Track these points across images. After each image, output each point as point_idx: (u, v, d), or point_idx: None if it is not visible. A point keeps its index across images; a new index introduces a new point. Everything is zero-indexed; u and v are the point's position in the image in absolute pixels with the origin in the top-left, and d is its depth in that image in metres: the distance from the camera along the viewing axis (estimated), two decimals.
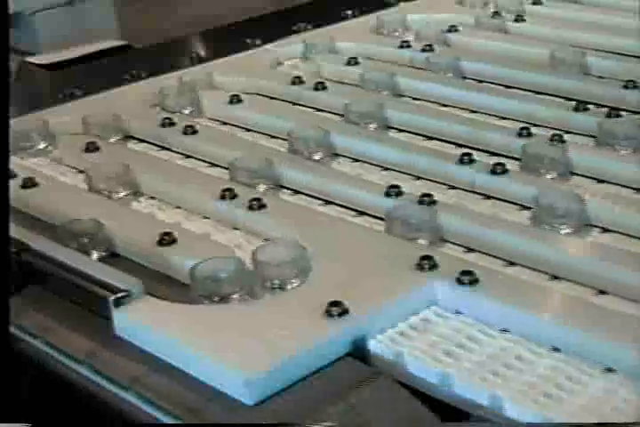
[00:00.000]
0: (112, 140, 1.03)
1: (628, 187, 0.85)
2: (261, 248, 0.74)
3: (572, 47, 1.16)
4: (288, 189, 0.90)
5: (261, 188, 0.89)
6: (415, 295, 0.69)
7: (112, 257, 0.80)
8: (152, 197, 0.90)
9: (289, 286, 0.72)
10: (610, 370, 0.61)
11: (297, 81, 1.12)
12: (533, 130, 0.94)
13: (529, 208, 0.82)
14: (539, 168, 0.87)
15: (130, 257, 0.80)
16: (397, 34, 1.29)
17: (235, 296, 0.71)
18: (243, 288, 0.71)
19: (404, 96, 1.10)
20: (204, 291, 0.71)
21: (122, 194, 0.91)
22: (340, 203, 0.86)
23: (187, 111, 1.08)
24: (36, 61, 1.34)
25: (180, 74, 1.16)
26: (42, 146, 1.01)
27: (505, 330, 0.66)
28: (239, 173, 0.90)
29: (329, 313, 0.66)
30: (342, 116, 1.05)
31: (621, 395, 0.59)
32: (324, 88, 1.10)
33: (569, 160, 0.88)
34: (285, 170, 0.91)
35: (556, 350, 0.64)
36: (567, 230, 0.78)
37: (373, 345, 0.65)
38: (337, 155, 0.96)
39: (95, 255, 0.80)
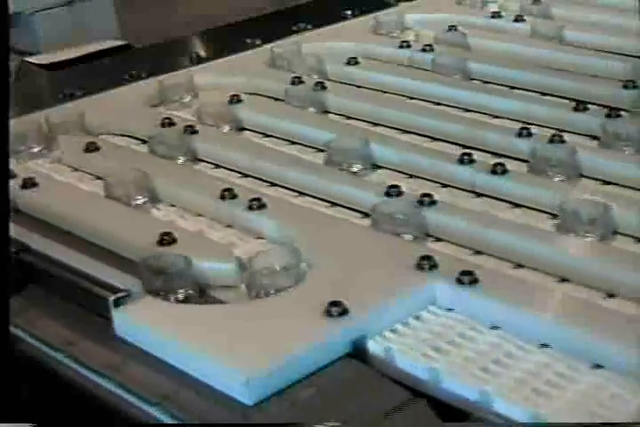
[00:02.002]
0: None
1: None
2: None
3: (572, 47, 1.17)
4: (287, 188, 0.90)
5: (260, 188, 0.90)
6: (415, 295, 0.69)
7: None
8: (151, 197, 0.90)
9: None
10: (598, 366, 0.62)
11: (297, 81, 1.12)
12: (533, 130, 0.94)
13: (528, 208, 0.83)
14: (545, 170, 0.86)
15: (130, 257, 0.80)
16: (397, 34, 1.29)
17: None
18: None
19: (403, 96, 1.10)
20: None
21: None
22: (340, 203, 0.87)
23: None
24: (36, 61, 1.34)
25: (178, 74, 1.17)
26: (42, 146, 1.01)
27: (495, 327, 0.66)
28: None
29: (329, 313, 0.66)
30: (342, 116, 1.05)
31: (610, 391, 0.59)
32: (324, 88, 1.10)
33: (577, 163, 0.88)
34: (283, 170, 0.91)
35: (545, 346, 0.64)
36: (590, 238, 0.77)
37: (373, 345, 0.65)
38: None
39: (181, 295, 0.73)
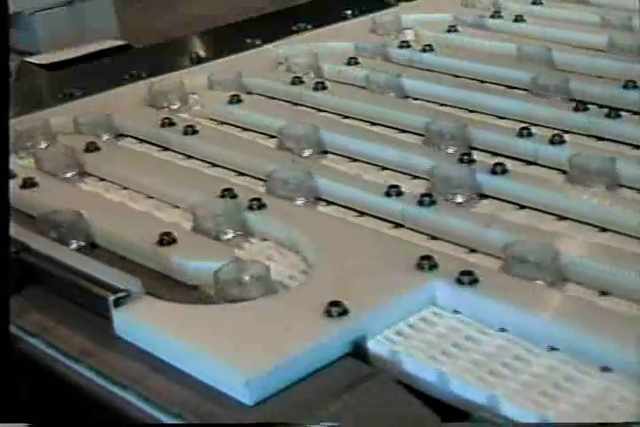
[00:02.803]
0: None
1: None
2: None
3: (573, 47, 1.17)
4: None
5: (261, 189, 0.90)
6: (415, 295, 0.69)
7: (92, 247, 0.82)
8: (150, 197, 0.90)
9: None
10: (606, 369, 0.61)
11: (297, 81, 1.12)
12: (533, 130, 0.94)
13: (527, 207, 0.83)
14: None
15: (130, 257, 0.80)
16: (397, 34, 1.29)
17: None
18: None
19: (405, 97, 1.10)
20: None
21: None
22: (340, 203, 0.87)
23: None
24: (36, 61, 1.34)
25: (179, 74, 1.17)
26: (42, 146, 1.01)
27: (503, 329, 0.66)
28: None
29: (329, 313, 0.66)
30: (342, 116, 1.05)
31: (618, 394, 0.59)
32: (324, 88, 1.10)
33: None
34: (285, 169, 0.91)
35: (554, 349, 0.64)
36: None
37: (373, 345, 0.65)
38: (336, 154, 0.96)
39: (74, 246, 0.81)
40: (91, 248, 0.82)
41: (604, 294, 0.71)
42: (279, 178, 0.87)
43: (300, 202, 0.86)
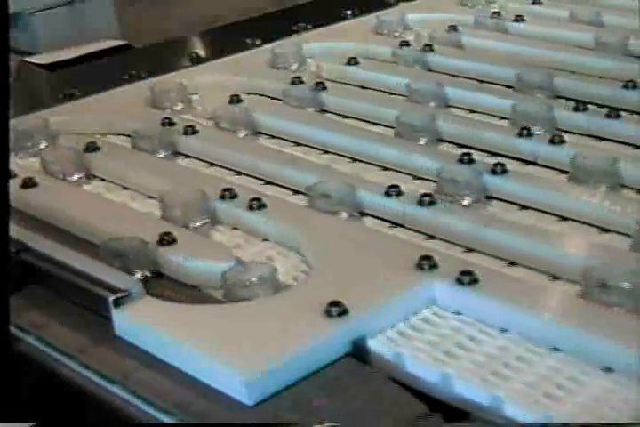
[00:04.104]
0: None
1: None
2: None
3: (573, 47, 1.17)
4: (288, 189, 0.90)
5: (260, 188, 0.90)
6: (415, 295, 0.69)
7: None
8: (151, 197, 0.90)
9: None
10: (608, 369, 0.61)
11: (297, 81, 1.12)
12: (533, 130, 0.94)
13: (529, 208, 0.83)
14: None
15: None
16: (397, 34, 1.29)
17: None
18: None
19: (405, 96, 1.09)
20: None
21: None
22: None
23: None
24: (36, 61, 1.34)
25: (178, 74, 1.17)
26: (42, 146, 1.01)
27: (504, 329, 0.66)
28: None
29: (329, 313, 0.66)
30: (342, 116, 1.05)
31: (620, 395, 0.59)
32: (324, 88, 1.10)
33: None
34: (286, 169, 0.91)
35: (556, 349, 0.64)
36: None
37: (373, 345, 0.65)
38: (336, 154, 0.96)
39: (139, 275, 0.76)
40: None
41: (396, 225, 0.81)
42: (143, 135, 0.98)
43: (161, 154, 0.97)
